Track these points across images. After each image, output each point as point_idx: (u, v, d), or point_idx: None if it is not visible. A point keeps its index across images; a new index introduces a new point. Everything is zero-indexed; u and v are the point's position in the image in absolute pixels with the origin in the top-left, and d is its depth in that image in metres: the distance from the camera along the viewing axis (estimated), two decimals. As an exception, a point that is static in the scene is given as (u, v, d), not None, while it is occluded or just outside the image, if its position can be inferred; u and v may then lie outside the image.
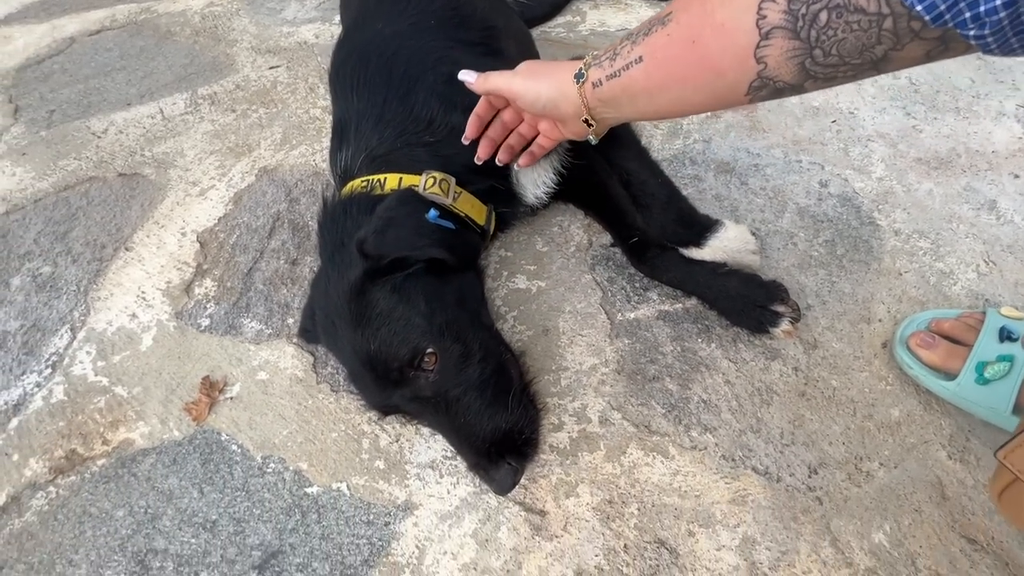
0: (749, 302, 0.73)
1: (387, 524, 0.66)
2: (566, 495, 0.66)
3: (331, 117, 0.91)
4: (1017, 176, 0.91)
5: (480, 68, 0.81)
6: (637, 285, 0.83)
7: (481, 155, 0.72)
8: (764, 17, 0.42)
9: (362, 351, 0.60)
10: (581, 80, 0.57)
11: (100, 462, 0.73)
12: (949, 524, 0.61)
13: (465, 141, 0.70)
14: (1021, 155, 0.93)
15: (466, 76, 0.66)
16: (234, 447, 0.73)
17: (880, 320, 0.76)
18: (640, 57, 0.51)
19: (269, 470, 0.71)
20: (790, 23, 0.41)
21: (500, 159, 0.72)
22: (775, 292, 0.72)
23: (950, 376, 0.67)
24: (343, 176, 0.77)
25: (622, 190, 0.79)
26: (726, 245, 0.76)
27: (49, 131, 1.20)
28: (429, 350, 0.59)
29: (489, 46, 0.89)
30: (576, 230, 0.91)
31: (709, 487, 0.65)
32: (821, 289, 0.80)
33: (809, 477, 0.65)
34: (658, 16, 0.51)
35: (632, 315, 0.80)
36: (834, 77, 0.43)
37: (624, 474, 0.66)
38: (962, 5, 0.34)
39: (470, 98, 0.74)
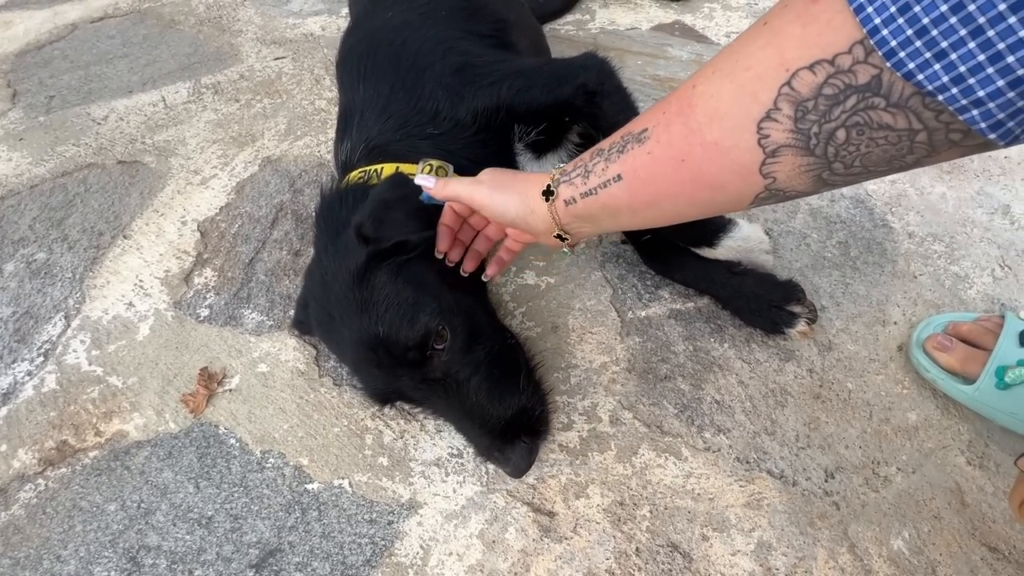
0: (764, 302, 0.71)
1: (390, 523, 0.63)
2: (576, 496, 0.64)
3: (337, 108, 0.89)
4: (1030, 182, 0.90)
5: (490, 59, 0.80)
6: (648, 283, 0.81)
7: (452, 258, 0.64)
8: (767, 136, 0.36)
9: (369, 336, 0.58)
10: (551, 198, 0.52)
11: (92, 454, 0.71)
12: (969, 532, 0.59)
13: (438, 254, 0.63)
14: (1034, 161, 0.93)
15: (424, 180, 0.60)
16: (232, 441, 0.71)
17: (895, 323, 0.75)
18: (619, 175, 0.46)
19: (268, 465, 0.68)
20: (800, 141, 0.36)
21: (466, 268, 0.65)
22: (791, 292, 0.71)
23: (968, 380, 0.65)
24: (344, 168, 0.76)
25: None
26: (739, 244, 0.74)
27: (48, 116, 1.18)
28: (440, 328, 0.58)
29: (499, 38, 0.88)
30: (586, 227, 0.89)
31: (723, 490, 0.63)
32: (835, 291, 0.78)
33: (826, 481, 0.63)
34: (630, 131, 0.46)
35: (643, 313, 0.78)
36: (854, 181, 0.39)
37: (636, 475, 0.65)
38: None
39: (478, 91, 0.73)
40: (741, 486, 0.63)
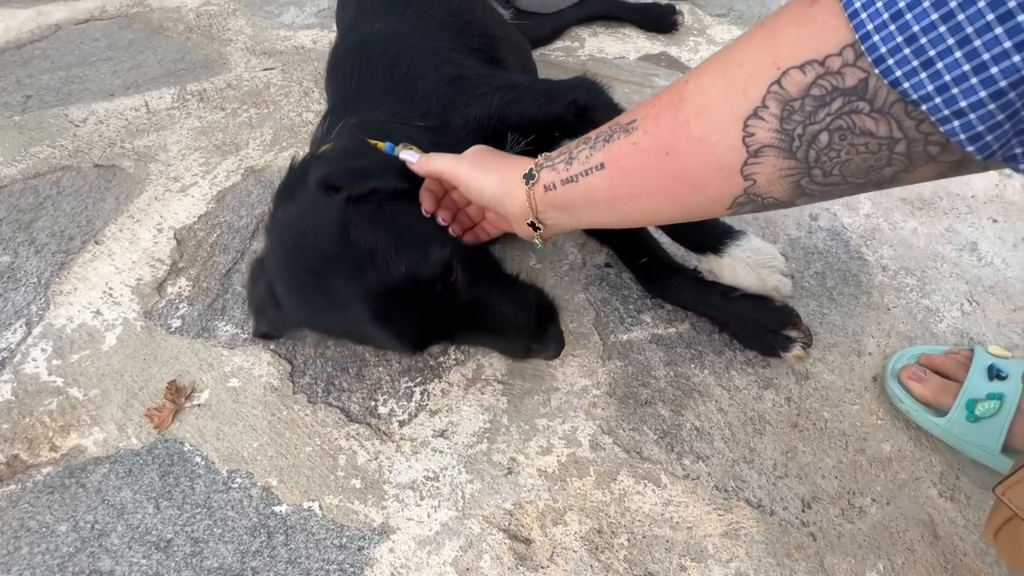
0: (761, 326, 0.71)
1: (361, 549, 0.61)
2: (553, 523, 0.62)
3: (326, 120, 0.89)
4: (996, 221, 0.94)
5: (484, 72, 0.80)
6: (631, 307, 0.81)
7: (444, 219, 0.61)
8: (752, 135, 0.37)
9: (390, 278, 0.53)
10: (531, 181, 0.52)
11: (45, 470, 0.67)
12: (942, 565, 0.60)
13: (425, 213, 0.60)
14: (999, 201, 0.97)
15: (407, 155, 0.60)
16: (198, 459, 0.68)
17: (870, 354, 0.76)
18: (601, 164, 0.46)
19: (235, 485, 0.65)
20: (784, 143, 0.36)
21: (454, 231, 0.62)
22: (787, 317, 0.71)
23: (941, 411, 0.66)
24: (319, 143, 0.71)
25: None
26: (748, 256, 0.71)
27: (23, 116, 1.15)
28: (454, 256, 0.57)
29: (488, 54, 0.89)
30: (570, 248, 0.90)
31: (701, 519, 0.62)
32: (812, 320, 0.80)
33: (803, 511, 0.63)
34: (619, 122, 0.46)
35: (625, 337, 0.78)
36: (831, 194, 0.39)
37: (614, 502, 0.64)
38: (1014, 141, 0.29)
39: (470, 100, 0.73)
40: (719, 515, 0.63)
